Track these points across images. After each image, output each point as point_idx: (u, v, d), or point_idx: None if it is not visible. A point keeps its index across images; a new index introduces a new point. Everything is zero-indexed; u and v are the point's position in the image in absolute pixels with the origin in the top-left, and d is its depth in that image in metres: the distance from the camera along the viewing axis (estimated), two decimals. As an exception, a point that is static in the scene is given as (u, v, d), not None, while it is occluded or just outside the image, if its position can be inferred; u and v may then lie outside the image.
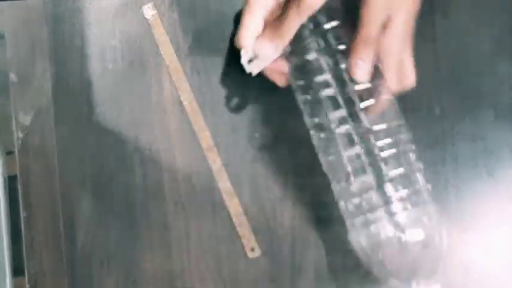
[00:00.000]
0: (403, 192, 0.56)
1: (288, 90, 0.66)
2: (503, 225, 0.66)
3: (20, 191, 0.66)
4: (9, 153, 0.66)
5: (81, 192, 0.66)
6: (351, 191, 0.57)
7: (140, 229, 0.66)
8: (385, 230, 0.56)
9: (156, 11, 0.67)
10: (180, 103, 0.66)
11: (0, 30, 0.66)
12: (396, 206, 0.56)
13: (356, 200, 0.57)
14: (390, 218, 0.55)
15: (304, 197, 0.66)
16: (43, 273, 0.66)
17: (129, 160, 0.66)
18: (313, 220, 0.66)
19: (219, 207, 0.66)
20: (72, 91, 0.67)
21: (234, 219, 0.66)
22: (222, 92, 0.66)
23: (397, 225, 0.55)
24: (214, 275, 0.66)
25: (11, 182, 0.66)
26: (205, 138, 0.66)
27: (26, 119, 0.66)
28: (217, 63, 0.67)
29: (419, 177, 0.57)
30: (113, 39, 0.67)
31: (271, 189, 0.66)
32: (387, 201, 0.56)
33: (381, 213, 0.56)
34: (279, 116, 0.66)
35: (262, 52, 0.59)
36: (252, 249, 0.66)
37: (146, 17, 0.67)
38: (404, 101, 0.66)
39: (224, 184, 0.66)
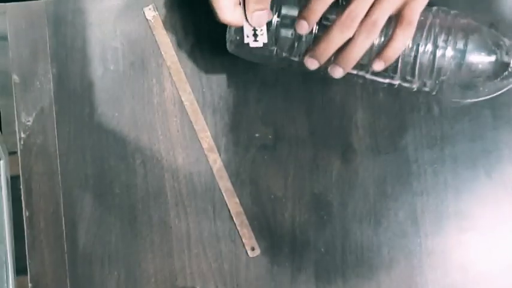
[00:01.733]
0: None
1: (287, 91, 0.67)
2: (502, 226, 0.66)
3: (22, 191, 0.66)
4: (12, 153, 0.66)
5: (83, 192, 0.66)
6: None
7: (141, 229, 0.66)
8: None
9: (157, 13, 0.67)
10: (181, 104, 0.67)
11: (3, 32, 0.67)
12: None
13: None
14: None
15: (304, 197, 0.66)
16: (45, 272, 0.66)
17: (130, 160, 0.67)
18: (313, 220, 0.66)
19: (219, 207, 0.66)
20: (73, 92, 0.67)
21: (235, 219, 0.66)
22: (222, 92, 0.67)
23: None
24: (215, 274, 0.66)
25: (13, 181, 0.66)
26: (206, 138, 0.67)
27: (28, 120, 0.67)
28: (218, 64, 0.67)
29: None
30: (114, 41, 0.67)
31: (271, 189, 0.66)
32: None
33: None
34: (279, 116, 0.67)
35: (259, 19, 0.58)
36: (253, 249, 0.66)
37: (147, 18, 0.67)
38: (404, 101, 0.67)
39: (225, 184, 0.66)
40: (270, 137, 0.67)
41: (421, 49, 0.59)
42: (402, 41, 0.57)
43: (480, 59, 0.59)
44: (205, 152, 0.67)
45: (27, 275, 0.66)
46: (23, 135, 0.67)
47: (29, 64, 0.67)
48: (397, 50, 0.57)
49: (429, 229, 0.66)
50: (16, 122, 0.67)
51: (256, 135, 0.67)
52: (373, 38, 0.57)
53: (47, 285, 0.66)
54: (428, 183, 0.66)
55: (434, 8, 0.60)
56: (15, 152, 0.66)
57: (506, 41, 0.59)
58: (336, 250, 0.66)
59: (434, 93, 0.61)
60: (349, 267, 0.66)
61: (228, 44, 0.61)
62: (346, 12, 0.56)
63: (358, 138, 0.66)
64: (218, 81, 0.67)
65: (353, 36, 0.56)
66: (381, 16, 0.56)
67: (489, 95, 0.61)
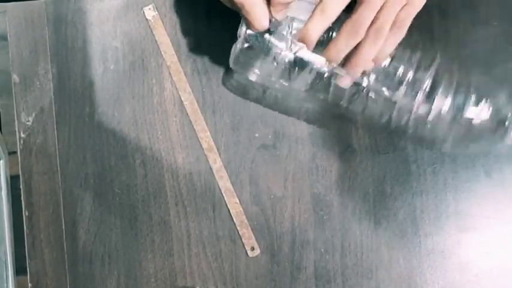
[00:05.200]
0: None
1: (287, 90, 0.67)
2: (501, 225, 0.66)
3: (22, 191, 0.66)
4: (12, 153, 0.66)
5: (83, 192, 0.66)
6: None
7: (141, 228, 0.66)
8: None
9: (157, 12, 0.67)
10: (181, 103, 0.67)
11: (3, 32, 0.67)
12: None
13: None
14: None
15: (303, 196, 0.66)
16: (45, 272, 0.66)
17: (130, 160, 0.67)
18: (313, 220, 0.66)
19: (219, 207, 0.66)
20: (73, 91, 0.67)
21: (234, 219, 0.66)
22: (222, 92, 0.67)
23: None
24: (215, 274, 0.66)
25: (13, 181, 0.67)
26: (206, 138, 0.67)
27: (28, 119, 0.67)
28: (218, 64, 0.67)
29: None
30: (114, 40, 0.67)
31: (271, 189, 0.66)
32: None
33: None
34: (279, 116, 0.67)
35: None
36: (252, 248, 0.66)
37: (147, 18, 0.67)
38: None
39: (224, 184, 0.66)
40: (270, 137, 0.67)
41: (417, 104, 0.60)
42: (392, 45, 0.58)
43: (479, 115, 0.59)
44: (205, 151, 0.67)
45: (27, 274, 0.66)
46: (22, 135, 0.67)
47: (29, 64, 0.67)
48: (387, 52, 0.58)
49: (429, 229, 0.66)
50: (16, 122, 0.67)
51: (256, 135, 0.67)
52: (379, 44, 0.57)
53: (46, 285, 0.66)
54: (428, 183, 0.66)
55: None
56: (15, 152, 0.66)
57: (502, 97, 0.60)
58: (335, 250, 0.66)
59: (443, 150, 0.62)
60: (348, 266, 0.66)
61: (232, 59, 0.62)
62: (353, 20, 0.56)
63: (357, 138, 0.67)
64: (218, 81, 0.67)
65: (360, 43, 0.57)
66: (386, 22, 0.57)
67: (490, 149, 0.62)
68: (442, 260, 0.66)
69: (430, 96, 0.59)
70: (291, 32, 0.59)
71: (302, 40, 0.58)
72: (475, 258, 0.66)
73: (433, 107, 0.59)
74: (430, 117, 0.59)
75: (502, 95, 0.60)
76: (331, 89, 0.61)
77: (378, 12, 0.57)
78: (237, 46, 0.60)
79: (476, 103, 0.59)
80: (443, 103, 0.59)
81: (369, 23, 0.57)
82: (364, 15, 0.56)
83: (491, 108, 0.59)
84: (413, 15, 0.58)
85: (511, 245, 0.66)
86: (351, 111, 0.63)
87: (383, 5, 0.57)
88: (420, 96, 0.59)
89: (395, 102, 0.60)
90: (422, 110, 0.59)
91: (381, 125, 0.63)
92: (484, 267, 0.66)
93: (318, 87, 0.61)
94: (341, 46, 0.57)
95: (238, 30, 0.59)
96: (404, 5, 0.57)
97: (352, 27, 0.56)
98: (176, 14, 0.67)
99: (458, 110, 0.59)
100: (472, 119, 0.59)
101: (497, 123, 0.59)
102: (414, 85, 0.59)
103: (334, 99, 0.62)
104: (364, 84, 0.60)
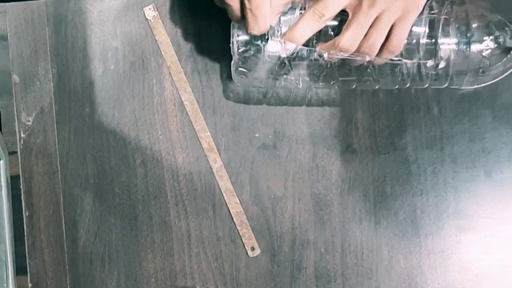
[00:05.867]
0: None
1: (287, 90, 0.67)
2: (501, 225, 0.66)
3: (22, 191, 0.66)
4: (12, 153, 0.66)
5: (83, 192, 0.66)
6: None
7: (141, 228, 0.66)
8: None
9: (157, 13, 0.67)
10: (181, 103, 0.67)
11: (3, 32, 0.67)
12: None
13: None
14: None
15: (304, 196, 0.66)
16: (45, 272, 0.66)
17: (130, 160, 0.67)
18: (313, 220, 0.66)
19: (219, 207, 0.66)
20: (74, 92, 0.67)
21: (235, 219, 0.66)
22: (222, 92, 0.67)
23: None
24: (215, 274, 0.66)
25: (13, 181, 0.67)
26: (206, 138, 0.67)
27: (28, 120, 0.67)
28: (218, 64, 0.67)
29: None
30: (115, 41, 0.67)
31: (271, 189, 0.66)
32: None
33: None
34: (279, 116, 0.67)
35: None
36: (253, 249, 0.66)
37: (147, 18, 0.67)
38: (404, 101, 0.67)
39: (224, 184, 0.66)
40: (270, 137, 0.67)
41: (423, 41, 0.59)
42: (385, 59, 0.59)
43: (484, 46, 0.59)
44: (205, 151, 0.67)
45: (27, 274, 0.66)
46: (23, 135, 0.67)
47: (29, 64, 0.67)
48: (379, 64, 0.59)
49: (429, 229, 0.66)
50: (16, 122, 0.67)
51: (256, 135, 0.67)
52: (371, 57, 0.58)
53: (47, 285, 0.66)
54: (428, 183, 0.66)
55: (428, 1, 0.60)
56: (15, 152, 0.66)
57: (510, 26, 0.60)
58: (335, 250, 0.66)
59: (445, 85, 0.61)
60: (349, 267, 0.66)
61: (233, 74, 0.62)
62: (345, 37, 0.57)
63: (357, 138, 0.67)
64: (218, 81, 0.67)
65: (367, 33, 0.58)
66: (378, 39, 0.57)
67: (496, 78, 0.61)
68: (442, 260, 0.66)
69: (433, 43, 0.59)
70: (281, 34, 0.59)
71: (289, 40, 0.58)
72: (475, 258, 0.66)
73: (440, 53, 0.59)
74: (441, 66, 0.59)
75: (498, 19, 0.60)
76: (336, 73, 0.61)
77: (371, 28, 0.57)
78: (235, 58, 0.60)
79: (480, 34, 0.59)
80: (448, 46, 0.59)
81: (361, 38, 0.57)
82: (357, 33, 0.57)
83: (495, 34, 0.59)
84: (408, 29, 0.58)
85: (511, 245, 0.66)
86: (365, 85, 0.63)
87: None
88: (422, 45, 0.59)
89: (400, 60, 0.60)
90: (430, 63, 0.59)
91: (399, 87, 0.63)
92: (484, 267, 0.66)
93: (326, 75, 0.60)
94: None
95: (231, 47, 0.60)
96: (401, 18, 0.57)
97: (343, 45, 0.57)
98: (176, 14, 0.67)
99: (464, 46, 0.59)
100: (480, 50, 0.59)
101: (504, 50, 0.60)
102: (412, 39, 0.59)
103: (343, 81, 0.62)
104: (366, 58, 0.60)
